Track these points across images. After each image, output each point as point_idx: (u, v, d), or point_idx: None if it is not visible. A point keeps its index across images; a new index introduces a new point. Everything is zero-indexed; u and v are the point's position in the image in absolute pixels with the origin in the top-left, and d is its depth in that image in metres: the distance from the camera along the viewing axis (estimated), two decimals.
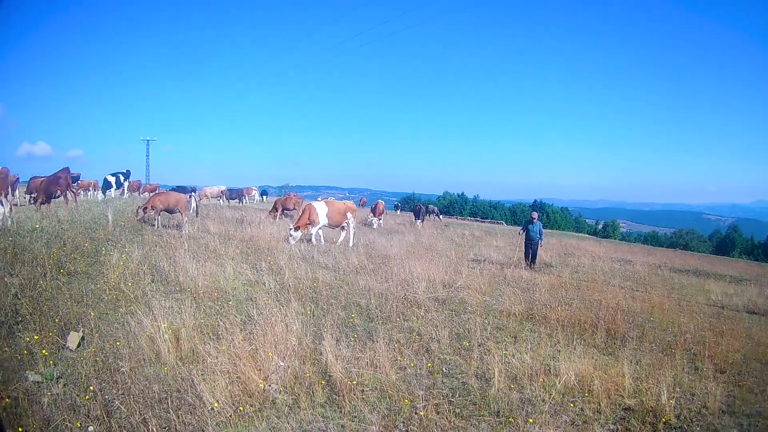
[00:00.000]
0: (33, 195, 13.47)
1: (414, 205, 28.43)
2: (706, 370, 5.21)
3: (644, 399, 4.36)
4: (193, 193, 18.86)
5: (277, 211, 18.62)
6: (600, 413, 4.20)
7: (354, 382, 4.25)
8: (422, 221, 22.67)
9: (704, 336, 6.27)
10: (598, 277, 10.82)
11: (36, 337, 4.92)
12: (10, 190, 16.35)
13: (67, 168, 14.27)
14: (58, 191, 13.58)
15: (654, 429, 3.99)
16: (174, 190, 17.09)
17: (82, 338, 5.00)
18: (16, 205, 12.80)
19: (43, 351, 4.66)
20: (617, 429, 4.00)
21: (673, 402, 4.28)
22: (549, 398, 4.29)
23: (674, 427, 4.06)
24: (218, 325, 5.31)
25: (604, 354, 5.63)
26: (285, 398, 4.08)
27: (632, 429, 3.97)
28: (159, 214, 12.87)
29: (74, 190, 14.41)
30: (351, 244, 12.89)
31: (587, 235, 44.96)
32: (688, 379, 5.02)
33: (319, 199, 16.71)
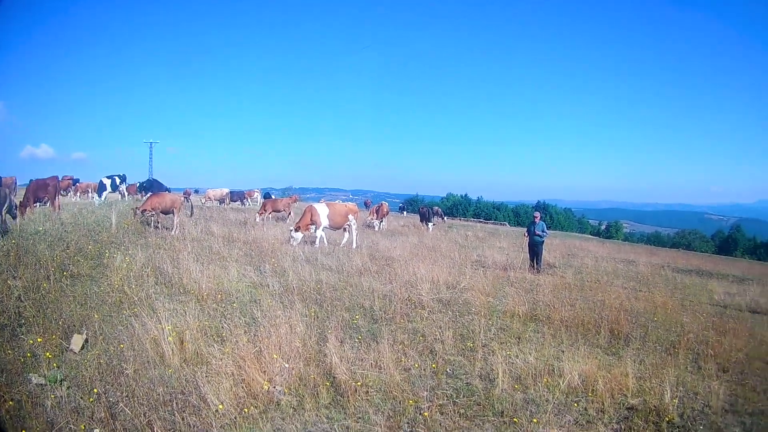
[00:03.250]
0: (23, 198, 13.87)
1: (419, 208, 28.16)
2: (709, 369, 5.25)
3: (648, 398, 4.37)
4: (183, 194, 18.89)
5: (265, 212, 18.34)
6: (603, 413, 4.22)
7: (358, 383, 4.25)
8: (433, 224, 21.63)
9: (707, 335, 6.29)
10: (601, 278, 10.79)
11: (39, 339, 4.90)
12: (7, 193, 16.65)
13: (56, 176, 14.79)
14: (46, 197, 14.00)
15: (657, 428, 4.00)
16: (148, 186, 17.43)
17: (86, 340, 4.98)
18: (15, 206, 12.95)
19: (47, 353, 4.64)
20: (621, 428, 4.01)
21: (677, 401, 4.31)
22: (553, 398, 4.30)
23: (677, 426, 4.07)
24: (222, 328, 5.30)
25: (607, 354, 5.64)
26: (289, 400, 4.09)
27: (636, 428, 3.98)
28: (158, 216, 12.95)
29: (59, 198, 14.89)
30: (354, 246, 12.87)
31: (590, 236, 45.09)
32: (692, 378, 5.04)
33: (322, 201, 16.64)
